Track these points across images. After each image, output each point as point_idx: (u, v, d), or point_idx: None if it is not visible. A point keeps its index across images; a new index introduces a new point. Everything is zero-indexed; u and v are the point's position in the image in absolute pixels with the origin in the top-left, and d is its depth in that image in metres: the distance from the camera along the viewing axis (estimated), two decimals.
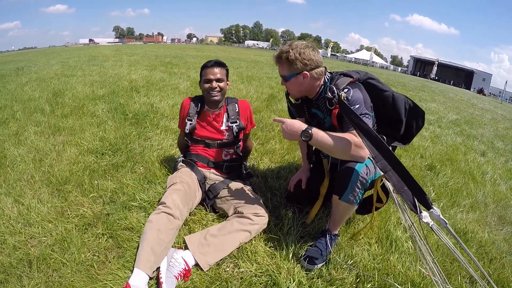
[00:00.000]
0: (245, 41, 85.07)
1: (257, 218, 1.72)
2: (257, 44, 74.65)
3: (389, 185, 1.43)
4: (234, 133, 2.07)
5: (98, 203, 2.06)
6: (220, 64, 2.00)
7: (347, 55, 60.46)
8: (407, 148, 3.76)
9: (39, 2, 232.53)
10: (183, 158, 2.13)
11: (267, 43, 74.40)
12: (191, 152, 2.12)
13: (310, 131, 1.46)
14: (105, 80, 6.35)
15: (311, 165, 2.09)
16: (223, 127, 2.08)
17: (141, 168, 2.51)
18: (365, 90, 1.62)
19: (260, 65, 12.75)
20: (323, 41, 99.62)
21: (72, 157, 2.69)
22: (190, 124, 2.05)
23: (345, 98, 1.53)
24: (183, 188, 1.76)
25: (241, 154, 2.19)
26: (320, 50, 1.59)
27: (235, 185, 2.02)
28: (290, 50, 1.58)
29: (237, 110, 2.09)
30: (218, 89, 1.96)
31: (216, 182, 2.03)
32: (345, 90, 1.56)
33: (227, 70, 2.05)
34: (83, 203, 2.02)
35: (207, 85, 1.96)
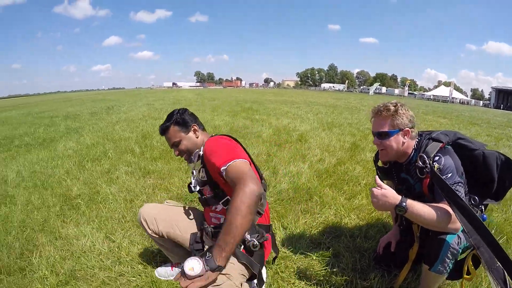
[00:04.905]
0: (321, 84, 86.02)
1: None
2: (333, 86, 74.86)
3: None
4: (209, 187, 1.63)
5: None
6: (164, 129, 1.68)
7: (425, 93, 56.45)
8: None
9: (129, 49, 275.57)
10: None
11: (343, 85, 74.07)
12: None
13: (405, 204, 1.43)
14: None
15: (401, 227, 2.00)
16: (193, 181, 1.68)
17: None
18: (455, 153, 1.57)
19: (339, 110, 12.54)
20: (399, 80, 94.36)
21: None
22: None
23: (438, 170, 1.48)
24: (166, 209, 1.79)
25: None
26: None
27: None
28: (398, 105, 1.61)
29: (201, 157, 1.62)
30: (180, 154, 1.70)
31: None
32: (436, 158, 1.52)
33: (178, 123, 1.65)
34: None
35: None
